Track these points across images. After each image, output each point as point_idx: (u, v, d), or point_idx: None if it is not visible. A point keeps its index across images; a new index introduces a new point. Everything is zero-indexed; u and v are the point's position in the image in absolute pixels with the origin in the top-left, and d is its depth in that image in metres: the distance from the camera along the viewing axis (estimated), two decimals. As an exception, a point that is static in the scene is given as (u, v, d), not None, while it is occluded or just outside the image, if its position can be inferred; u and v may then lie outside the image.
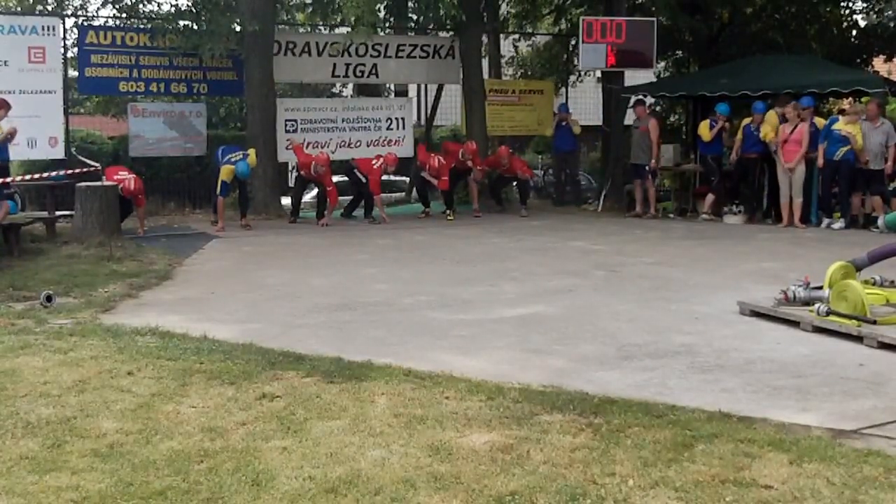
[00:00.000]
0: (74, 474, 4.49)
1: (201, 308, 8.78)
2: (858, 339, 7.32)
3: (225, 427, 5.20)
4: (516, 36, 24.27)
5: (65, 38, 17.07)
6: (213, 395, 5.81)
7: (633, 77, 21.12)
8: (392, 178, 22.16)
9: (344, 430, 5.14)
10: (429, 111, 23.12)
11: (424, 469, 4.57)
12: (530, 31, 24.37)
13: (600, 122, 21.62)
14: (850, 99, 18.45)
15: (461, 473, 4.51)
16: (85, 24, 17.49)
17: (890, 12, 24.90)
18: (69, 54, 17.58)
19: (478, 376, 6.21)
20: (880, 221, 14.13)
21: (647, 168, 17.27)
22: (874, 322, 7.41)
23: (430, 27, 20.30)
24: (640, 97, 18.89)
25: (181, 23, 17.01)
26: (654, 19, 19.56)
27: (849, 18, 25.07)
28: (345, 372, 6.25)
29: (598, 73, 22.28)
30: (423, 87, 24.36)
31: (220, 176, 14.86)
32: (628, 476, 4.50)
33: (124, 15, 18.15)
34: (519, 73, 25.18)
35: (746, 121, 16.49)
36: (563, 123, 19.45)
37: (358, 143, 18.91)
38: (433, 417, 5.33)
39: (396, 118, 19.55)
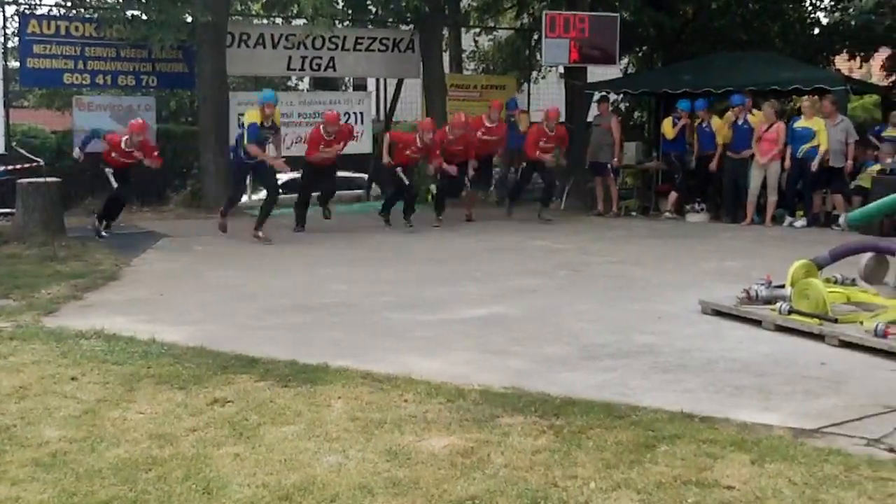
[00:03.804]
0: (14, 485, 4.36)
1: (150, 310, 8.59)
2: (820, 337, 7.34)
3: (174, 433, 5.09)
4: (477, 30, 24.18)
5: (4, 28, 16.73)
6: (161, 400, 5.69)
7: (599, 73, 21.08)
8: (349, 174, 21.96)
9: (299, 435, 5.06)
10: (388, 106, 22.98)
11: (382, 474, 4.51)
12: (492, 24, 24.30)
13: (563, 119, 21.54)
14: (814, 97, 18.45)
15: (420, 478, 4.46)
16: (27, 12, 17.03)
17: (852, 10, 25.09)
18: (10, 44, 17.24)
19: (438, 378, 6.14)
20: (842, 219, 14.16)
21: (609, 166, 17.19)
22: (836, 321, 7.42)
23: (390, 20, 20.14)
24: (603, 94, 18.84)
25: (129, 12, 16.66)
26: (618, 14, 19.54)
27: (811, 16, 25.24)
28: (300, 375, 6.15)
29: (561, 69, 22.22)
30: (382, 81, 24.22)
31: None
32: (590, 478, 4.47)
33: (69, 4, 17.86)
34: (480, 68, 25.09)
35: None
36: (512, 120, 19.05)
37: (315, 139, 18.66)
38: (391, 421, 5.26)
39: (354, 113, 19.27)
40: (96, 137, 13.80)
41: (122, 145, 13.15)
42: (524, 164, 16.86)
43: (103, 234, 13.42)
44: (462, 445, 4.87)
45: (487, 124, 15.92)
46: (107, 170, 13.38)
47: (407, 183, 14.85)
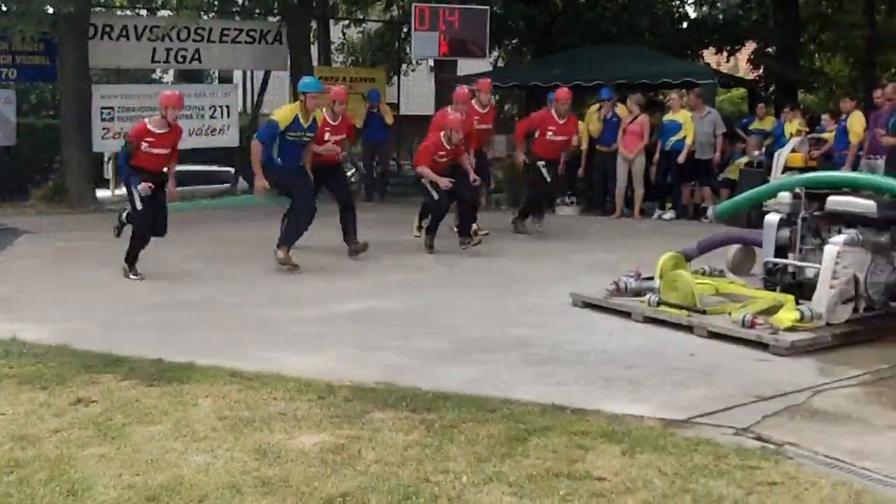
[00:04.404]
0: None
1: (10, 308, 8.32)
2: (689, 328, 7.48)
3: (37, 435, 4.98)
4: (346, 22, 24.02)
5: None
6: (23, 400, 5.55)
7: (469, 66, 21.12)
8: (216, 168, 21.59)
9: (165, 435, 4.98)
10: (255, 99, 22.68)
11: (251, 473, 4.46)
12: (361, 17, 24.18)
13: (433, 112, 21.54)
14: (683, 90, 18.84)
15: (290, 476, 4.42)
16: None
17: (720, 5, 25.77)
18: None
19: (308, 375, 6.09)
20: (710, 212, 14.44)
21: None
22: (704, 312, 7.59)
23: (257, 11, 19.85)
24: (474, 88, 18.84)
25: (-12, 3, 16.13)
26: (488, 7, 19.57)
27: (680, 10, 25.84)
28: (166, 374, 6.05)
29: (431, 62, 22.23)
30: (248, 73, 23.86)
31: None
32: (462, 472, 4.48)
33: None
34: (349, 61, 24.97)
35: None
36: (375, 111, 18.78)
37: (179, 133, 18.26)
38: (260, 419, 5.20)
39: (220, 106, 18.87)
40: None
41: (152, 127, 9.93)
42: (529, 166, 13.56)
43: (132, 276, 9.91)
44: (332, 442, 4.84)
45: (480, 110, 13.34)
46: (134, 188, 9.82)
47: (437, 196, 11.43)
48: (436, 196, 11.37)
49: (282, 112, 10.46)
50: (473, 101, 13.03)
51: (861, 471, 4.66)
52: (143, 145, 9.81)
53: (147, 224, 9.87)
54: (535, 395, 5.73)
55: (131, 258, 9.96)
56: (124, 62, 19.13)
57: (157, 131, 9.87)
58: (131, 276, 9.85)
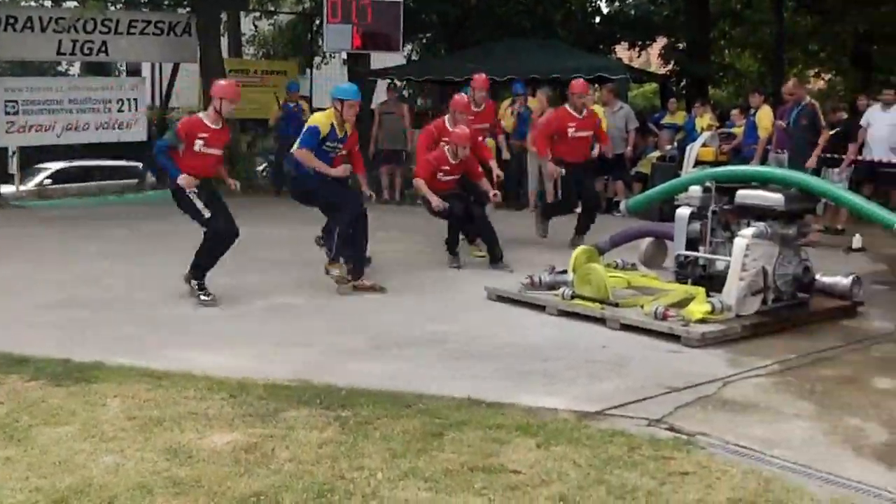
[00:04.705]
0: None
1: None
2: (602, 321, 7.56)
3: (-60, 439, 4.84)
4: (257, 14, 23.79)
5: None
6: (-77, 404, 5.37)
7: (383, 60, 21.05)
8: (123, 163, 21.24)
9: (73, 436, 4.89)
10: (163, 92, 22.34)
11: (162, 474, 4.39)
12: (272, 9, 23.96)
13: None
14: (596, 85, 18.95)
15: (202, 476, 4.36)
16: None
17: (631, 0, 26.06)
18: None
19: (220, 373, 6.01)
20: (622, 206, 14.48)
21: (404, 154, 17.08)
22: (616, 305, 7.65)
23: (166, 3, 19.54)
24: (390, 80, 18.80)
25: None
26: (401, 0, 19.52)
27: (593, 5, 26.06)
28: (73, 374, 5.92)
29: (344, 55, 22.10)
30: (157, 66, 23.51)
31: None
32: (377, 469, 4.47)
33: None
34: (261, 53, 24.75)
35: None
36: (293, 104, 17.99)
37: (86, 126, 17.88)
38: (171, 419, 5.13)
39: (128, 99, 18.55)
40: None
41: (207, 121, 8.55)
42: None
43: (204, 297, 8.40)
44: (245, 441, 4.79)
45: (475, 109, 11.58)
46: (190, 194, 8.38)
47: (449, 210, 10.35)
48: (446, 209, 10.31)
49: (320, 118, 9.27)
50: (468, 100, 11.54)
51: (771, 458, 4.75)
52: (197, 143, 8.39)
53: (226, 229, 8.56)
54: (451, 389, 5.73)
55: (202, 271, 8.55)
56: (29, 54, 18.70)
57: (213, 126, 8.53)
58: (202, 298, 8.36)
